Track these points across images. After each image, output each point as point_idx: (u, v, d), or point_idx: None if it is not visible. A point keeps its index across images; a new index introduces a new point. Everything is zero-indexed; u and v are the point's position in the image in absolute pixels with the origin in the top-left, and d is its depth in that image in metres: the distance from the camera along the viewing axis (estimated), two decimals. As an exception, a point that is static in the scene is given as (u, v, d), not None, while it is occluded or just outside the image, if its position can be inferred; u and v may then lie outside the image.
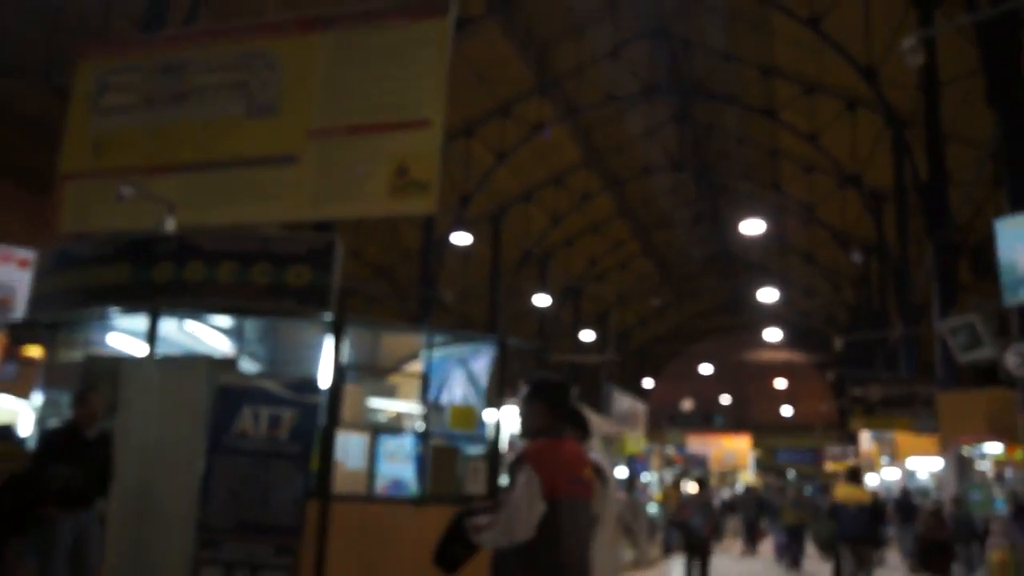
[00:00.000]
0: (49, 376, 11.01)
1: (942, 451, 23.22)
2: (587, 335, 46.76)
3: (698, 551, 15.99)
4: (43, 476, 7.94)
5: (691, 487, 30.42)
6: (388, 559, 8.94)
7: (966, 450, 21.82)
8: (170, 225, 10.92)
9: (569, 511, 4.31)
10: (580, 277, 45.57)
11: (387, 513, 9.29)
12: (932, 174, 22.55)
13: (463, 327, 32.06)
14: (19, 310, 16.07)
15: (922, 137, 23.28)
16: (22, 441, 10.83)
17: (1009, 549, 15.22)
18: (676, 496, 24.94)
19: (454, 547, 4.46)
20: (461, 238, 32.11)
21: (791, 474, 44.89)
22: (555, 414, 4.57)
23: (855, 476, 15.34)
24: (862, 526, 13.51)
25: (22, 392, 14.88)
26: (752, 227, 32.08)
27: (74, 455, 8.18)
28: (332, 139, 10.87)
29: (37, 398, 11.15)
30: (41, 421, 10.90)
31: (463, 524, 4.43)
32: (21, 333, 12.87)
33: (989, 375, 18.66)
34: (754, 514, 24.73)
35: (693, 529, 16.10)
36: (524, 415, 4.66)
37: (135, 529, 8.61)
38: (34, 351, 13.02)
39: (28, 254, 16.97)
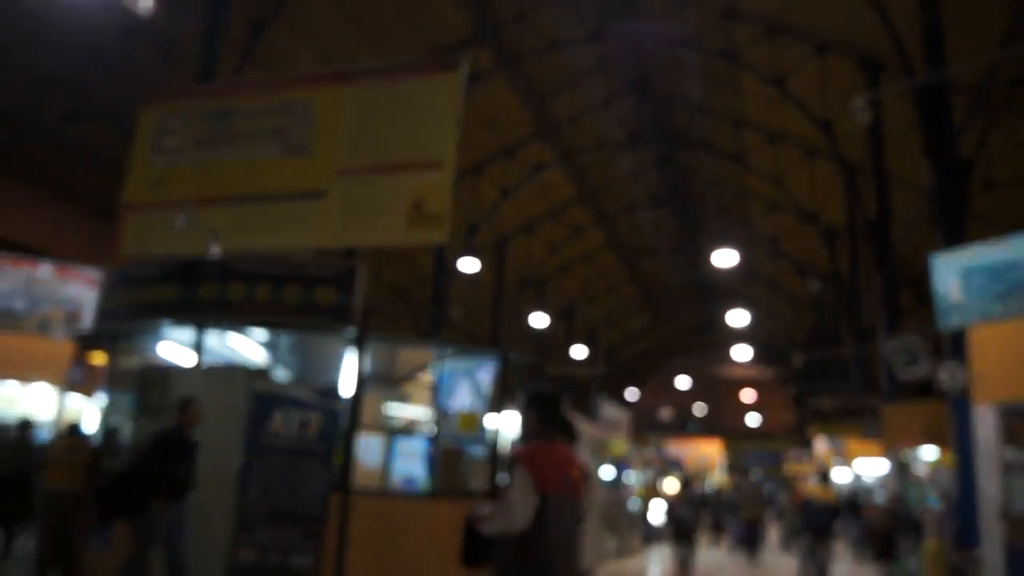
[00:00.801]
0: (111, 380, 11.06)
1: (885, 455, 23.21)
2: (578, 351, 46.76)
3: (685, 537, 16.57)
4: (159, 473, 7.87)
5: (668, 485, 30.40)
6: (401, 545, 8.93)
7: (905, 454, 21.80)
8: (215, 250, 10.95)
9: (557, 507, 4.32)
10: (573, 299, 45.54)
11: (401, 505, 9.29)
12: (879, 214, 22.77)
13: (469, 343, 32.14)
14: (87, 322, 16.15)
15: (871, 182, 23.51)
16: (87, 437, 10.88)
17: (940, 540, 15.24)
18: (653, 494, 24.96)
19: (474, 545, 4.48)
20: (469, 264, 32.18)
21: (758, 475, 44.67)
22: (548, 421, 4.58)
23: (825, 478, 15.50)
24: (826, 520, 13.69)
25: (88, 393, 14.97)
26: (724, 257, 32.18)
27: (181, 455, 8.12)
28: (357, 177, 10.91)
29: (101, 399, 11.18)
30: (104, 419, 10.93)
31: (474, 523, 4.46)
32: (88, 342, 12.92)
33: (925, 389, 18.66)
34: (719, 510, 24.65)
35: (682, 519, 16.78)
36: (522, 421, 4.68)
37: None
38: (98, 358, 13.08)
39: (95, 274, 17.06)
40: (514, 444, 9.28)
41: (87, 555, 9.86)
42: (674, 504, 19.08)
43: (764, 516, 20.02)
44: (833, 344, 32.91)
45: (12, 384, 18.52)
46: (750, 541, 18.73)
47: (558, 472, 4.40)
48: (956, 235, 15.25)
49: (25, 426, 12.32)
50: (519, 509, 4.21)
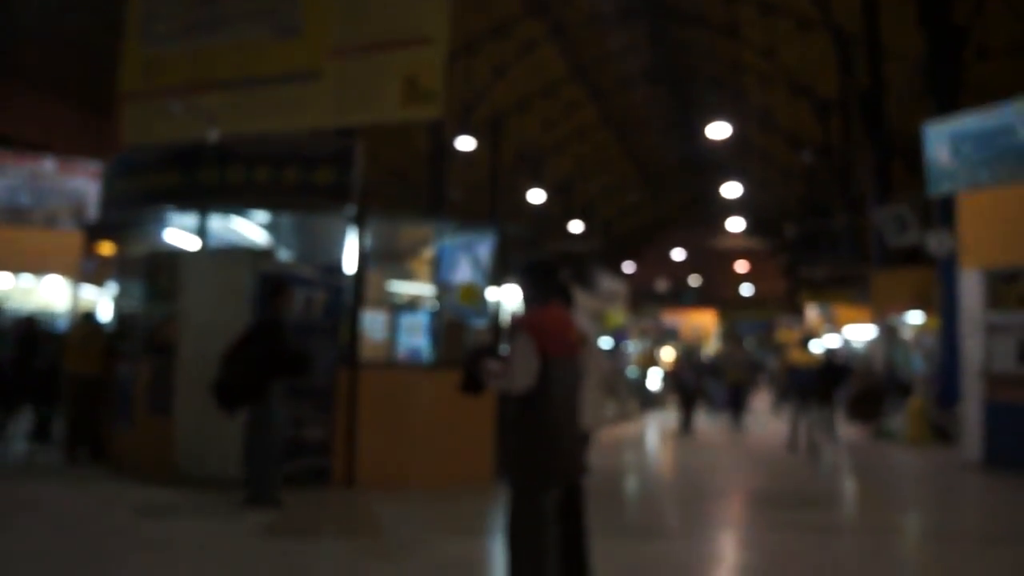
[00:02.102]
0: (120, 269, 11.08)
1: (873, 321, 23.51)
2: (575, 226, 46.84)
3: (689, 399, 18.22)
4: (280, 354, 7.73)
5: (665, 354, 30.91)
6: (407, 413, 9.12)
7: (893, 320, 22.08)
8: (213, 135, 10.82)
9: (559, 367, 4.42)
10: (569, 176, 45.30)
11: (406, 376, 9.43)
12: (872, 85, 22.42)
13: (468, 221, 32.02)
14: (93, 215, 16.08)
15: (864, 53, 23.04)
16: (103, 324, 10.99)
17: (924, 400, 15.64)
18: (650, 362, 25.39)
19: (474, 376, 4.61)
20: (465, 143, 31.91)
21: (752, 344, 45.17)
22: (545, 287, 4.65)
23: (807, 343, 15.74)
24: (812, 383, 13.94)
25: (100, 283, 15.04)
26: (717, 131, 31.84)
27: (285, 336, 8.02)
28: (350, 56, 10.71)
29: (112, 287, 11.24)
30: (117, 306, 11.01)
31: (478, 362, 4.57)
32: (95, 232, 12.88)
33: (914, 257, 18.80)
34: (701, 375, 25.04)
35: (685, 383, 18.64)
36: (521, 289, 4.74)
37: (199, 394, 8.76)
38: (107, 248, 13.05)
39: (97, 166, 16.90)
40: (514, 314, 9.36)
41: (113, 434, 10.12)
42: (678, 371, 20.62)
43: (748, 382, 20.33)
44: (825, 215, 32.93)
45: (27, 277, 18.71)
46: (734, 405, 18.88)
47: (557, 335, 4.49)
48: (949, 104, 15.07)
49: (30, 322, 12.42)
50: (522, 371, 4.33)
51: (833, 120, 30.23)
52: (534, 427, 4.35)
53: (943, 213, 14.91)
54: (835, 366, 15.99)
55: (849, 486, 11.20)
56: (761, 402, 22.69)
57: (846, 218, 28.22)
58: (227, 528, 6.92)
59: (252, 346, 7.56)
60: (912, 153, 19.45)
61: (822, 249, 33.03)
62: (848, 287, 26.07)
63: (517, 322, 4.52)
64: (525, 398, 4.37)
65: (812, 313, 34.36)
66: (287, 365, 7.64)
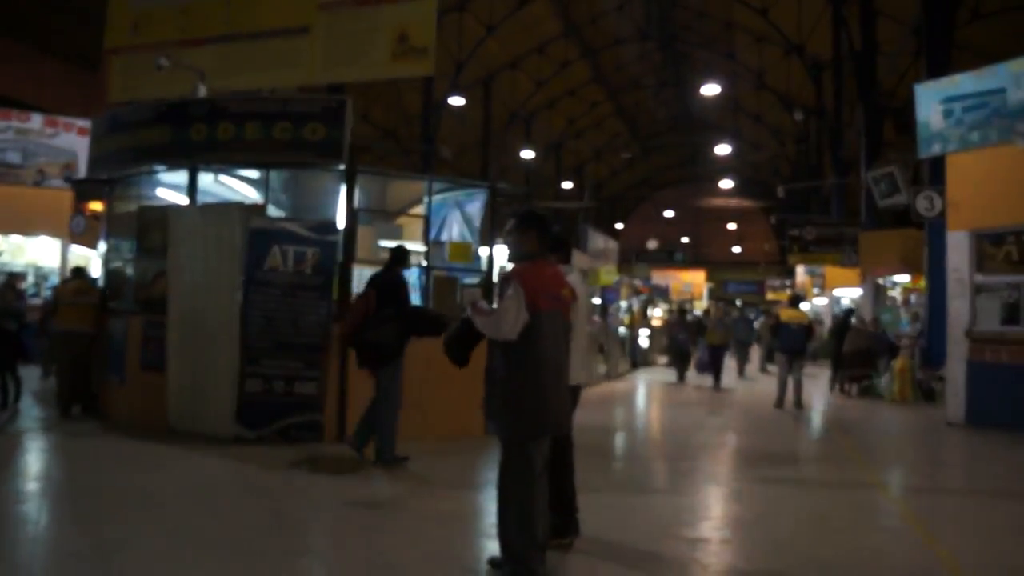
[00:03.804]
0: (110, 226, 11.03)
1: (862, 282, 23.64)
2: (567, 185, 46.77)
3: (681, 356, 19.72)
4: (419, 317, 7.88)
5: (658, 313, 31.03)
6: (399, 370, 9.15)
7: (881, 280, 22.21)
8: (202, 91, 10.73)
9: (548, 321, 4.43)
10: (560, 135, 45.13)
11: (397, 333, 9.43)
12: (865, 45, 22.31)
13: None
14: (82, 173, 15.93)
15: (857, 13, 22.89)
16: (94, 280, 10.97)
17: (909, 358, 15.77)
18: (640, 321, 25.48)
19: (463, 344, 4.62)
20: (456, 101, 31.70)
21: (746, 307, 45.38)
22: (539, 241, 4.61)
23: (796, 302, 15.83)
24: (800, 341, 14.03)
25: (90, 244, 14.97)
26: (710, 90, 31.73)
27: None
28: (340, 10, 10.63)
29: (101, 246, 11.19)
30: (107, 262, 10.98)
31: (468, 325, 4.56)
32: (84, 189, 12.78)
33: (903, 218, 18.83)
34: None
35: (679, 341, 19.87)
36: (513, 242, 4.67)
37: (191, 350, 8.80)
38: (96, 206, 12.98)
39: (86, 123, 16.73)
40: (503, 268, 9.34)
41: (105, 390, 10.15)
42: (672, 328, 21.56)
43: (729, 343, 20.38)
44: (815, 175, 32.94)
45: (16, 238, 18.62)
46: (714, 365, 18.61)
47: (548, 289, 4.48)
48: (941, 66, 15.01)
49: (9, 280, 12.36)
50: (510, 318, 4.32)
51: (825, 80, 30.11)
52: (522, 379, 4.36)
53: (933, 175, 14.93)
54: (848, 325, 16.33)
55: (833, 443, 11.33)
56: (751, 361, 22.72)
57: (836, 179, 28.23)
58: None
59: (389, 308, 7.54)
60: (903, 113, 19.42)
61: (812, 210, 33.14)
62: (837, 247, 26.16)
63: (510, 273, 4.50)
64: (514, 350, 4.37)
65: (801, 273, 34.56)
66: (430, 325, 7.63)
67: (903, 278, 22.41)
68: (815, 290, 32.59)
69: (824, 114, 30.59)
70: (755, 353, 24.09)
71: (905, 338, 17.34)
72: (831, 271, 28.65)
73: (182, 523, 5.63)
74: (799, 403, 13.92)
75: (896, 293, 23.91)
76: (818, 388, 18.27)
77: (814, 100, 31.56)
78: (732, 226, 60.88)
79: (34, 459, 8.01)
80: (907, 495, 7.78)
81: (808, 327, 14.49)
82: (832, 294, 28.51)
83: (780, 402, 13.99)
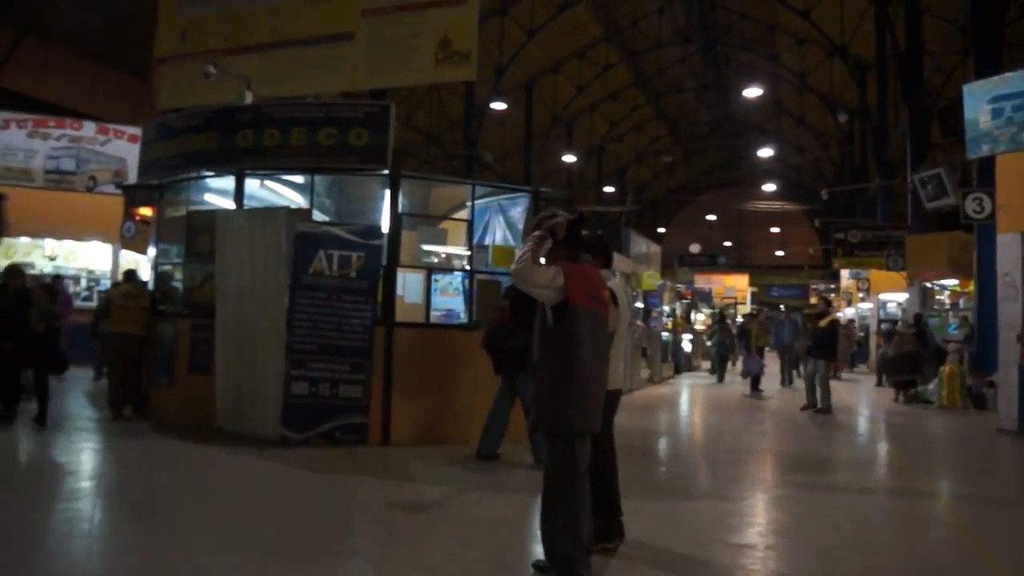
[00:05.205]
0: (160, 231, 11.20)
1: (909, 285, 23.25)
2: (608, 188, 46.64)
3: (724, 360, 21.72)
4: None
5: (698, 318, 30.90)
6: (442, 374, 9.21)
7: (929, 284, 21.84)
8: (248, 98, 10.88)
9: (586, 319, 4.37)
10: (602, 138, 45.01)
11: (441, 337, 9.49)
12: (910, 45, 21.93)
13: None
14: (133, 179, 16.22)
15: (902, 12, 22.52)
16: (145, 283, 11.17)
17: (958, 364, 15.48)
18: (683, 325, 25.38)
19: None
20: (498, 106, 31.77)
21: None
22: (573, 243, 4.52)
23: (828, 306, 15.68)
24: (828, 343, 14.13)
25: (140, 248, 15.22)
26: (752, 92, 31.45)
27: None
28: (383, 16, 10.72)
29: (151, 250, 11.38)
30: (157, 266, 11.16)
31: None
32: (134, 195, 13.00)
33: (951, 221, 18.48)
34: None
35: (719, 345, 21.72)
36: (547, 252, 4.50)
37: (237, 353, 8.91)
38: (146, 211, 13.19)
39: (136, 131, 17.02)
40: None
41: (155, 391, 10.32)
42: (714, 332, 22.89)
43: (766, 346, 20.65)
44: (860, 178, 32.49)
45: (68, 243, 19.07)
46: (757, 370, 18.43)
47: (588, 288, 4.43)
48: (990, 64, 14.69)
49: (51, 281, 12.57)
50: (543, 275, 4.27)
51: (869, 82, 29.68)
52: (559, 374, 4.33)
53: (981, 176, 14.64)
54: (924, 332, 16.31)
55: (880, 450, 11.15)
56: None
57: (881, 181, 27.81)
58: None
59: (523, 315, 7.63)
60: (949, 114, 19.05)
61: (857, 213, 32.68)
62: (882, 251, 25.73)
63: (540, 220, 4.49)
64: (552, 345, 4.36)
65: (846, 277, 34.08)
66: None
67: (951, 281, 22.01)
68: (860, 294, 32.12)
69: (868, 116, 30.15)
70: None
71: (953, 343, 17.03)
72: (876, 275, 28.20)
73: (231, 522, 5.70)
74: (827, 407, 13.74)
75: (944, 297, 23.49)
76: (864, 394, 18.01)
77: (858, 101, 31.13)
78: (775, 230, 60.19)
79: (87, 458, 8.16)
80: (957, 503, 7.61)
81: (832, 329, 14.30)
82: (878, 298, 28.04)
83: (810, 404, 13.92)
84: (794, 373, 20.94)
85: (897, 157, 26.07)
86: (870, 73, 29.05)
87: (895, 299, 27.14)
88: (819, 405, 13.85)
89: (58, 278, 14.25)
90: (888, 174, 27.12)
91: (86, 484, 6.86)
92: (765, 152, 38.82)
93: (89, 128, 20.90)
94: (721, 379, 21.03)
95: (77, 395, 11.44)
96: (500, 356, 7.93)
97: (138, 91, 24.81)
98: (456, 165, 32.90)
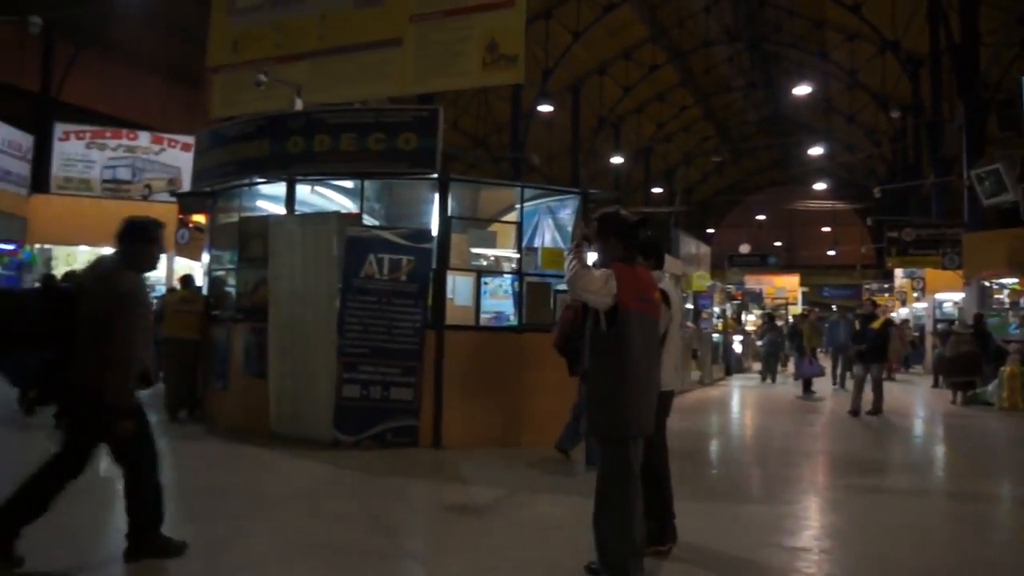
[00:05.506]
0: (213, 237, 11.39)
1: (965, 285, 22.71)
2: (656, 189, 46.36)
3: (774, 360, 21.80)
4: None
5: (749, 319, 30.60)
6: (492, 376, 9.21)
7: (987, 283, 21.31)
8: (298, 105, 11.02)
9: (637, 322, 4.33)
10: (649, 139, 44.76)
11: (491, 339, 9.51)
12: (965, 37, 21.39)
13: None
14: (187, 187, 16.52)
15: (956, 4, 22.02)
16: (199, 289, 11.39)
17: (1020, 364, 15.10)
18: (734, 326, 25.16)
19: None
20: (544, 108, 31.78)
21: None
22: (624, 244, 4.49)
23: (875, 306, 15.37)
24: (877, 344, 13.87)
25: (194, 255, 15.52)
26: (801, 90, 31.06)
27: None
28: (430, 21, 10.78)
29: (205, 256, 11.59)
30: (210, 274, 11.35)
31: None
32: (188, 202, 13.23)
33: (1010, 218, 18.02)
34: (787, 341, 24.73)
35: (771, 344, 21.70)
36: (598, 249, 4.53)
37: (290, 357, 9.02)
38: (199, 218, 13.45)
39: (190, 139, 17.39)
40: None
41: (210, 395, 10.50)
42: (763, 334, 23.00)
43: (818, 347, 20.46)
44: (913, 176, 31.83)
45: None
46: (814, 373, 18.15)
47: (639, 291, 4.40)
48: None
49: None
50: (596, 281, 4.25)
51: (922, 77, 29.09)
52: (610, 376, 4.31)
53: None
54: (984, 331, 16.28)
55: (937, 452, 10.92)
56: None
57: (936, 178, 27.22)
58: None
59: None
60: (1008, 108, 18.62)
61: (911, 212, 32.02)
62: (938, 249, 25.18)
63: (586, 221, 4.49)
64: (604, 348, 4.33)
65: (899, 277, 33.43)
66: None
67: (1011, 280, 21.46)
68: (915, 294, 31.49)
69: (922, 111, 29.52)
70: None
71: (1014, 343, 16.61)
72: (932, 274, 27.63)
73: (286, 524, 5.78)
74: (878, 409, 13.47)
75: (1004, 296, 22.91)
76: (920, 395, 17.65)
77: (910, 97, 30.52)
78: (826, 229, 59.26)
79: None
80: (1018, 507, 7.42)
81: (884, 331, 14.01)
82: (934, 298, 27.44)
83: (855, 410, 13.57)
84: (847, 375, 20.64)
85: (952, 153, 25.47)
86: (923, 67, 28.46)
87: (951, 298, 26.55)
88: (870, 408, 13.57)
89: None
90: (943, 171, 26.51)
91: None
92: (815, 151, 38.29)
93: (144, 138, 21.40)
94: (772, 380, 21.12)
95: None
96: (574, 356, 7.90)
97: (191, 101, 25.36)
98: (503, 168, 32.99)
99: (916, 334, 29.63)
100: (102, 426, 4.51)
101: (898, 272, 33.15)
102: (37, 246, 19.27)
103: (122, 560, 4.64)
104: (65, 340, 4.56)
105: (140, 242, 4.79)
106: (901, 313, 32.39)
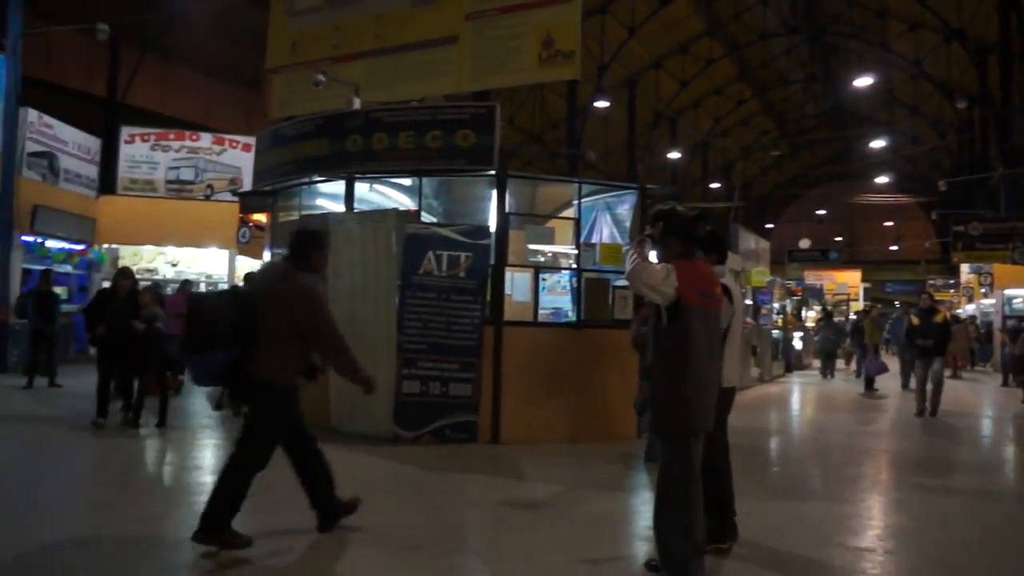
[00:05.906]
0: (274, 235, 11.56)
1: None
2: (714, 185, 45.88)
3: (830, 356, 21.82)
4: None
5: (812, 315, 30.15)
6: (551, 372, 9.21)
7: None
8: (356, 104, 11.13)
9: (699, 318, 4.28)
10: (706, 134, 44.27)
11: (550, 336, 9.51)
12: (1037, 22, 20.77)
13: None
14: (248, 186, 16.85)
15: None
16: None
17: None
18: (794, 323, 24.79)
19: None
20: (600, 104, 31.63)
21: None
22: (684, 240, 4.42)
23: (932, 301, 14.75)
24: (938, 340, 13.16)
25: (255, 253, 15.78)
26: (862, 82, 30.44)
27: None
28: (486, 19, 10.83)
29: (266, 255, 11.77)
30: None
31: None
32: (249, 202, 13.46)
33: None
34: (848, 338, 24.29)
35: (828, 341, 21.73)
36: (659, 248, 4.45)
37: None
38: (260, 217, 13.66)
39: (250, 140, 17.68)
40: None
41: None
42: (820, 329, 22.89)
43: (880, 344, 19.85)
44: (980, 168, 30.98)
45: (189, 249, 20.06)
46: (878, 371, 17.69)
47: (700, 286, 4.33)
48: None
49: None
50: (656, 275, 4.21)
51: (990, 65, 28.28)
52: (672, 372, 4.27)
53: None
54: None
55: (1007, 453, 10.62)
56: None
57: (1005, 170, 26.44)
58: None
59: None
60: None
61: (977, 205, 31.17)
62: (1006, 243, 24.49)
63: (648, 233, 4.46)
64: (666, 343, 4.29)
65: (965, 272, 32.58)
66: None
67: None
68: (983, 290, 30.65)
69: (990, 101, 28.68)
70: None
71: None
72: (1000, 269, 26.89)
73: (347, 519, 5.84)
74: (934, 410, 12.95)
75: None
76: (988, 394, 17.19)
77: (978, 87, 29.67)
78: (889, 223, 58.01)
79: (209, 454, 8.48)
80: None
81: (944, 326, 13.46)
82: (1003, 294, 26.66)
83: (920, 411, 13.08)
84: (910, 374, 20.15)
85: (1022, 144, 24.74)
86: (991, 56, 27.67)
87: (1021, 294, 25.81)
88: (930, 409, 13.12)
89: (187, 283, 14.86)
90: (1012, 162, 25.72)
91: (206, 479, 7.13)
92: (877, 143, 37.50)
93: (206, 139, 21.83)
94: (832, 375, 21.25)
95: (198, 395, 11.92)
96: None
97: (251, 102, 25.83)
98: (559, 164, 32.92)
99: (982, 331, 28.85)
100: (281, 416, 5.14)
101: (964, 267, 32.32)
102: (105, 246, 19.79)
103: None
104: (253, 339, 4.88)
105: (314, 247, 5.21)
106: (967, 310, 31.56)
